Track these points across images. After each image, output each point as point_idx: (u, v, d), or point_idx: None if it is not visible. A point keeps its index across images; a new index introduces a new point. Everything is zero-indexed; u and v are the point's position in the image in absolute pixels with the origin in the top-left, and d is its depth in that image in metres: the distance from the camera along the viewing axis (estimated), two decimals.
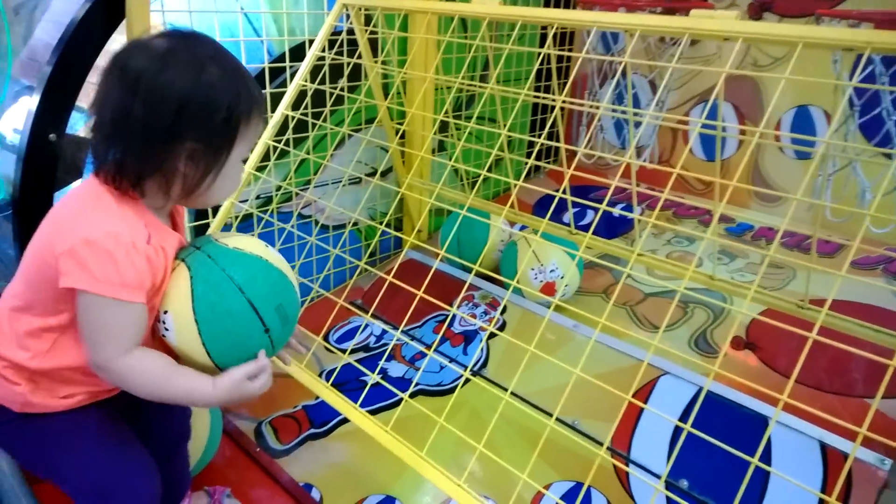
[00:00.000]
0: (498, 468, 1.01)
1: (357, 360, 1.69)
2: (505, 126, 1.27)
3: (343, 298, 1.40)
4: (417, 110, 1.87)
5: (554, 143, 1.30)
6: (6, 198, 1.55)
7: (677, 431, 1.37)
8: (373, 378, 1.25)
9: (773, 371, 1.53)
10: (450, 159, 2.24)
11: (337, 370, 1.41)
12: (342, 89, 1.73)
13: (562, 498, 1.29)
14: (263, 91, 1.44)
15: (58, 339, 0.87)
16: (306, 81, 1.55)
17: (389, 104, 1.70)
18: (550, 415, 1.19)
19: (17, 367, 0.88)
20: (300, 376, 1.33)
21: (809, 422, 1.32)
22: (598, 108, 2.16)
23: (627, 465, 1.34)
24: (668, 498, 1.26)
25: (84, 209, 0.85)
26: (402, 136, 2.00)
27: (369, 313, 1.34)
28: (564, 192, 1.30)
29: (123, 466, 0.96)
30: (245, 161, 0.94)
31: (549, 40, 1.29)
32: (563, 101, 1.28)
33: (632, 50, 1.16)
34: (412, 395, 1.57)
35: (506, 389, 1.42)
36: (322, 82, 1.64)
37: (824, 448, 1.28)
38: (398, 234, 1.83)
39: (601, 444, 1.09)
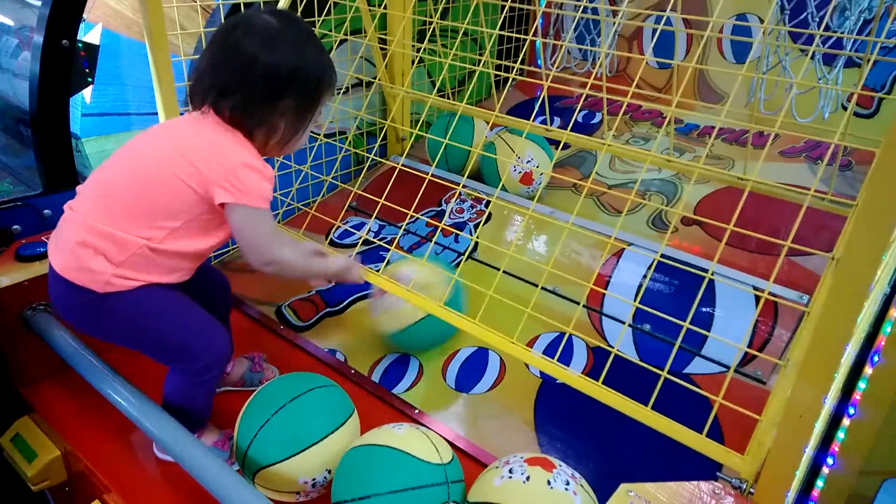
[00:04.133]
0: (495, 324, 1.22)
1: (359, 253, 1.90)
2: (489, 38, 1.45)
3: (336, 200, 1.59)
4: (397, 11, 2.00)
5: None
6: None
7: (641, 287, 1.65)
8: (393, 250, 1.47)
9: (715, 240, 1.82)
10: (426, 72, 2.41)
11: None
12: None
13: (548, 344, 1.56)
14: None
15: (173, 231, 1.07)
16: None
17: (371, 11, 1.84)
18: (534, 284, 1.43)
19: (111, 252, 1.04)
20: None
21: (745, 272, 1.62)
22: (566, 6, 2.34)
23: (601, 317, 1.62)
24: (633, 336, 1.55)
25: (224, 142, 1.07)
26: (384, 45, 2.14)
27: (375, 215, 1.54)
28: (541, 99, 1.50)
29: (200, 326, 1.15)
30: (315, 123, 1.19)
31: None
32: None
33: None
34: None
35: (493, 268, 1.67)
36: None
37: (756, 290, 1.59)
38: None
39: (578, 303, 1.34)
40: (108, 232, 1.04)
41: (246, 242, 1.09)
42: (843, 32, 2.00)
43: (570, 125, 1.39)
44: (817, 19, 1.89)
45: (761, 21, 2.20)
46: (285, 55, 1.06)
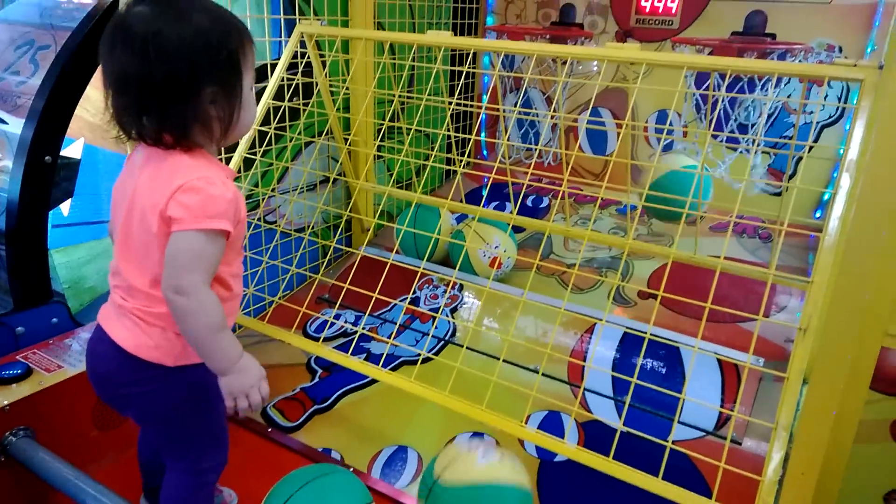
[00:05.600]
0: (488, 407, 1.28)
1: (338, 346, 1.93)
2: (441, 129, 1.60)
3: (310, 294, 1.63)
4: (361, 117, 2.14)
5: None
6: None
7: (616, 361, 1.78)
8: (388, 345, 1.52)
9: (669, 310, 2.00)
10: (386, 166, 2.53)
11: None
12: (305, 103, 1.96)
13: (540, 423, 1.64)
14: None
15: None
16: (271, 99, 1.77)
17: (338, 115, 1.97)
18: (518, 366, 1.52)
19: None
20: (319, 351, 1.56)
21: (708, 341, 1.79)
22: (518, 112, 2.55)
23: (584, 392, 1.72)
24: (616, 407, 1.66)
25: (169, 169, 0.93)
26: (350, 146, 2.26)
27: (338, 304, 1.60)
28: (502, 186, 1.64)
29: (225, 422, 1.15)
30: (252, 88, 1.01)
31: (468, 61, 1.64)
32: (483, 107, 1.63)
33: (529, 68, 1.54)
34: (397, 366, 1.85)
35: (476, 351, 1.75)
36: (281, 99, 1.85)
37: (717, 356, 1.76)
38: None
39: (560, 380, 1.44)
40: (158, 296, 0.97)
41: (171, 258, 0.92)
42: (750, 124, 2.32)
43: (518, 209, 1.53)
44: (734, 116, 2.19)
45: (679, 116, 2.50)
46: (175, 38, 0.89)
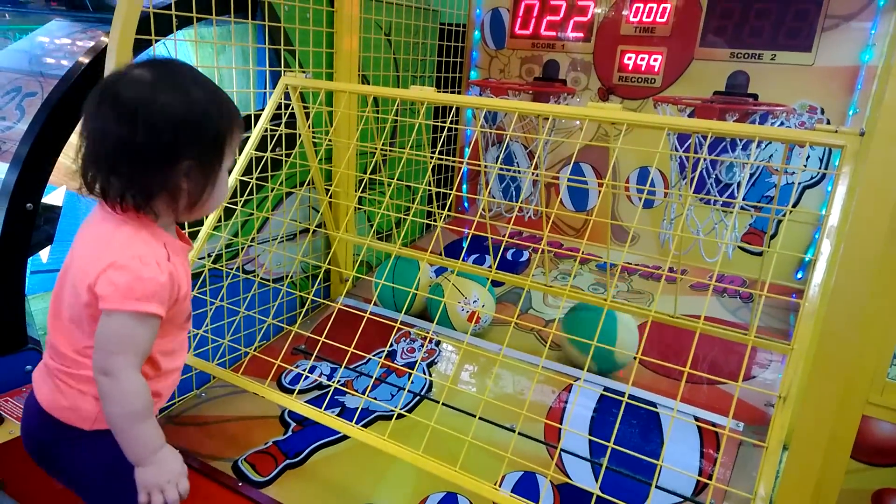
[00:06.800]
0: (460, 466, 1.25)
1: (313, 399, 1.87)
2: (422, 183, 1.60)
3: (286, 345, 1.60)
4: (343, 169, 2.15)
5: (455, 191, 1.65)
6: None
7: (593, 421, 1.75)
8: (363, 399, 1.48)
9: (649, 370, 1.98)
10: (367, 217, 2.53)
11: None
12: (287, 154, 1.96)
13: (515, 484, 1.59)
14: None
15: None
16: (254, 149, 1.77)
17: (319, 166, 1.97)
18: (495, 424, 1.49)
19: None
20: (292, 405, 1.51)
21: (686, 403, 1.76)
22: (501, 168, 2.57)
23: (560, 453, 1.68)
24: (593, 469, 1.61)
25: (107, 239, 0.93)
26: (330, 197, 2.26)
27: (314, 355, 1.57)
28: (483, 239, 1.64)
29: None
30: (230, 171, 1.02)
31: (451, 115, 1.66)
32: (463, 162, 1.64)
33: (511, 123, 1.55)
34: (371, 422, 1.80)
35: (452, 407, 1.71)
36: (263, 150, 1.85)
37: (696, 419, 1.73)
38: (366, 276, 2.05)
39: (537, 440, 1.41)
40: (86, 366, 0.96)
41: (99, 338, 0.91)
42: (733, 183, 2.36)
43: (497, 263, 1.52)
44: (713, 175, 2.23)
45: (662, 173, 2.54)
46: (169, 102, 0.89)
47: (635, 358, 1.73)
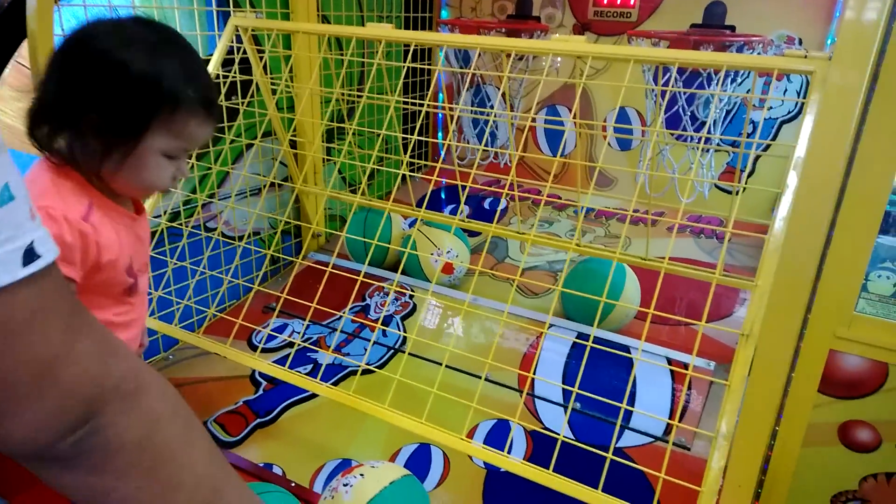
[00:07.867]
0: (434, 417, 1.24)
1: (283, 357, 1.85)
2: (383, 129, 1.55)
3: (251, 304, 1.57)
4: (305, 118, 2.07)
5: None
6: None
7: (567, 367, 1.74)
8: (334, 356, 1.46)
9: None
10: (337, 169, 2.46)
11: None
12: (243, 103, 1.88)
13: (488, 433, 1.58)
14: None
15: None
16: None
17: (281, 116, 1.90)
18: (466, 373, 1.47)
19: None
20: (260, 365, 1.50)
21: (664, 346, 1.75)
22: (475, 111, 2.50)
23: (534, 400, 1.67)
24: (568, 417, 1.61)
25: (28, 184, 0.87)
26: (294, 147, 2.18)
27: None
28: (454, 189, 1.59)
29: None
30: (171, 157, 0.92)
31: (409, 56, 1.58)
32: (429, 106, 1.58)
33: (485, 64, 1.48)
34: (343, 377, 1.78)
35: (423, 358, 1.70)
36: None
37: (669, 360, 1.72)
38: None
39: (510, 388, 1.39)
40: None
41: None
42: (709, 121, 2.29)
43: (473, 212, 1.48)
44: (689, 112, 2.16)
45: (639, 114, 2.46)
46: (108, 55, 0.84)
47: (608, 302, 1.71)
